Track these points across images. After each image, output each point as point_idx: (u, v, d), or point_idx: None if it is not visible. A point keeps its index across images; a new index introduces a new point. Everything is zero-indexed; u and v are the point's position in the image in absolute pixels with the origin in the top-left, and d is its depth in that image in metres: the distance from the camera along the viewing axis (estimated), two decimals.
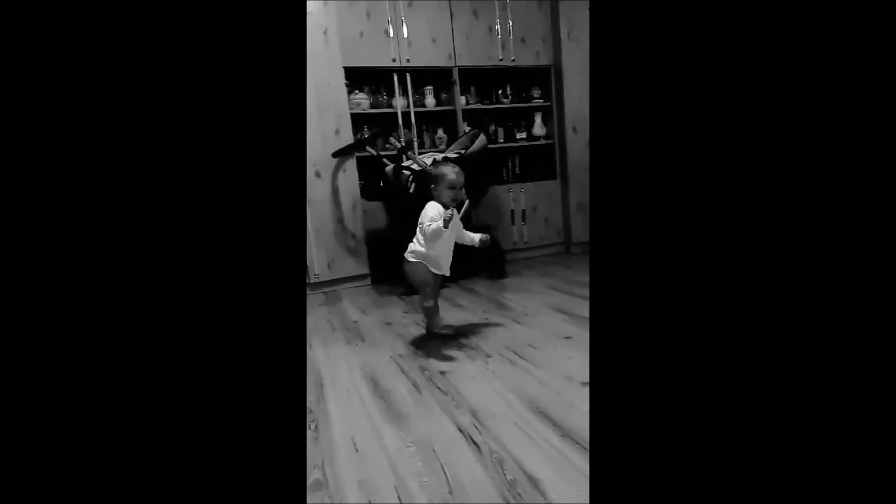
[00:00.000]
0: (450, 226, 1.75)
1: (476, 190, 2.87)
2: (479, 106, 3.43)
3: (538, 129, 3.59)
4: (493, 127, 3.54)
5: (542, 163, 3.63)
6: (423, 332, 2.05)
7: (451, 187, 1.82)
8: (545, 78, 3.51)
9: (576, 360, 1.59)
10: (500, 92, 3.50)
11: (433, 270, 1.86)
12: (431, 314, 1.95)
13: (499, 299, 2.47)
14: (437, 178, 1.85)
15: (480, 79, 3.44)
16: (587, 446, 1.10)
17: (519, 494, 0.95)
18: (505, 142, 3.54)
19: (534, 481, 0.99)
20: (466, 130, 3.23)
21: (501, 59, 3.32)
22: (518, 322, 2.07)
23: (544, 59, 3.44)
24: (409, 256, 1.88)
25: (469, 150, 2.81)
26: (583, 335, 1.83)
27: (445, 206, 1.82)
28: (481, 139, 2.86)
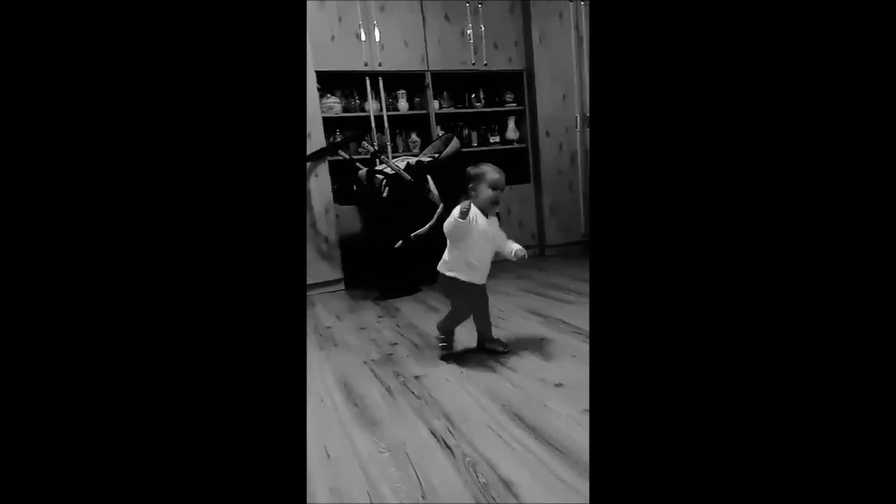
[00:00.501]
0: (484, 227, 1.61)
1: (450, 194, 2.87)
2: (453, 110, 3.44)
3: (511, 133, 3.62)
4: (466, 131, 3.55)
5: (515, 166, 3.65)
6: (398, 339, 2.03)
7: (494, 187, 1.61)
8: (518, 82, 3.55)
9: (550, 363, 1.60)
10: (473, 96, 3.51)
11: (464, 279, 1.65)
12: (448, 342, 1.75)
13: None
14: (476, 178, 1.63)
15: (454, 83, 3.45)
16: (561, 448, 1.10)
17: (493, 497, 0.95)
18: (479, 146, 3.56)
19: (507, 484, 0.98)
20: (440, 134, 3.23)
21: (474, 64, 3.34)
22: (493, 325, 2.07)
23: (517, 64, 3.47)
24: (440, 268, 1.70)
25: (443, 154, 2.82)
26: (557, 337, 1.85)
27: (484, 211, 1.63)
28: (455, 143, 2.86)
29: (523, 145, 3.62)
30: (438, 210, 2.72)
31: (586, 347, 1.71)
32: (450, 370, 1.62)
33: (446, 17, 3.22)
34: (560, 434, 1.16)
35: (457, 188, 2.99)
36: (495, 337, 1.80)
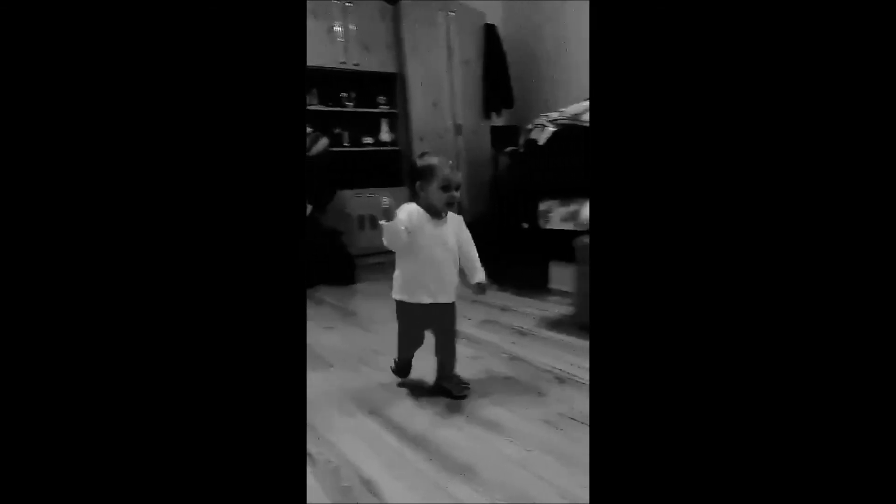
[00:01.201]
0: (434, 232, 1.28)
1: (322, 194, 2.78)
2: (322, 108, 3.34)
3: (385, 135, 3.61)
4: (338, 130, 3.47)
5: (390, 168, 3.65)
6: None
7: (445, 187, 1.25)
8: (390, 85, 3.55)
9: (421, 361, 1.60)
10: (344, 95, 3.44)
11: (411, 301, 1.31)
12: (400, 367, 1.45)
13: (346, 307, 2.41)
14: (424, 173, 1.27)
15: (323, 81, 3.35)
16: (425, 445, 1.11)
17: (355, 498, 0.92)
18: (351, 146, 3.49)
19: (369, 484, 0.96)
20: (308, 132, 3.11)
21: (344, 63, 3.27)
22: (365, 329, 2.04)
23: (389, 67, 3.48)
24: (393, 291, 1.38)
25: (311, 153, 2.72)
26: (428, 336, 1.86)
27: (436, 212, 1.29)
28: (323, 141, 2.78)
29: (397, 148, 3.63)
30: (307, 211, 2.62)
31: (460, 349, 1.75)
32: (315, 377, 1.55)
33: (313, 14, 3.12)
34: (426, 430, 1.17)
35: (327, 188, 2.91)
36: (456, 373, 1.40)
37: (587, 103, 2.40)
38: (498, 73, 3.91)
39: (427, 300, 1.30)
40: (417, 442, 1.12)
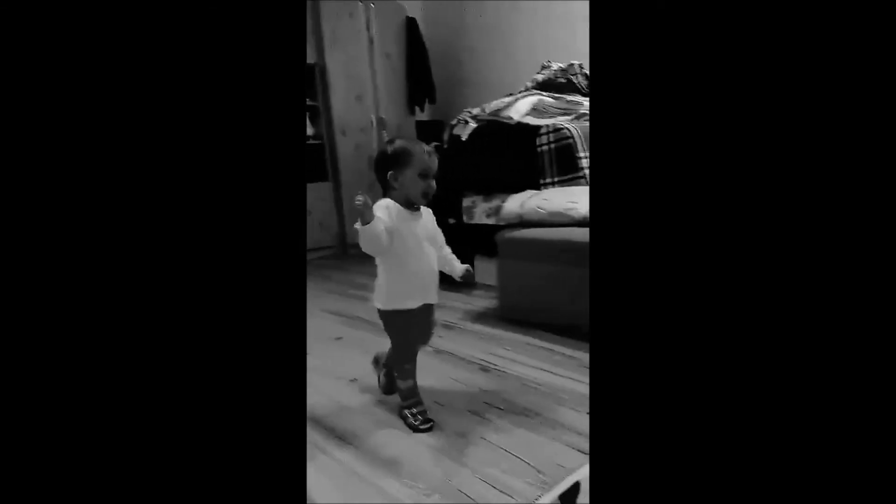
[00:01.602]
0: (412, 227, 1.13)
1: None
2: None
3: (306, 128, 3.51)
4: None
5: (311, 163, 3.56)
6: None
7: (424, 174, 1.11)
8: (310, 76, 3.46)
9: (346, 360, 1.60)
10: None
11: (400, 307, 1.15)
12: (407, 395, 1.20)
13: None
14: (399, 160, 1.11)
15: None
16: (354, 442, 1.12)
17: None
18: None
19: None
20: None
21: None
22: None
23: (308, 58, 3.38)
24: (375, 301, 1.19)
25: None
26: (354, 335, 1.86)
27: (410, 205, 1.14)
28: None
29: (319, 142, 3.55)
30: None
31: (380, 340, 1.76)
32: None
33: None
34: (354, 426, 1.18)
35: None
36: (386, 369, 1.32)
37: (508, 99, 2.47)
38: (420, 68, 3.92)
39: (415, 304, 1.17)
40: (341, 437, 1.13)
